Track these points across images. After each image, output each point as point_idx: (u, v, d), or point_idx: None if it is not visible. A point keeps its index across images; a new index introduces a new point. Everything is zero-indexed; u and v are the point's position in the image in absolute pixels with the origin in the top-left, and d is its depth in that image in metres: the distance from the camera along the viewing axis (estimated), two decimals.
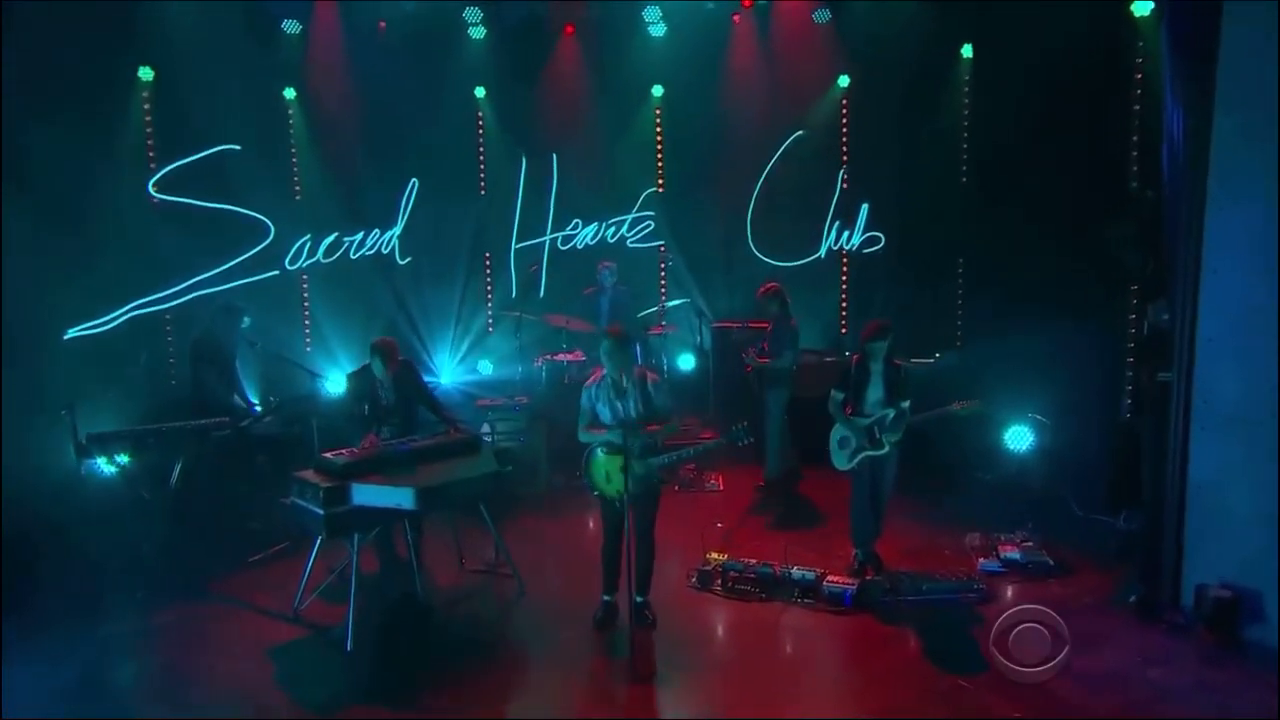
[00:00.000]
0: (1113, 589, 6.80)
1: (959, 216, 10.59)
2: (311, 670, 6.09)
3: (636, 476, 6.14)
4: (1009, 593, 6.86)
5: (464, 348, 11.71)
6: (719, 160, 11.54)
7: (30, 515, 7.36)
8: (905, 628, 6.39)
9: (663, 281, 12.03)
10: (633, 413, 6.27)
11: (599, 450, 6.35)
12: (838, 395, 7.12)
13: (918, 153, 10.59)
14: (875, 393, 6.98)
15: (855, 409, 7.04)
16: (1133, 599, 6.53)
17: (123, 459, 7.38)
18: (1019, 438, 8.83)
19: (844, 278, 11.60)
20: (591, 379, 6.42)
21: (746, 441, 6.39)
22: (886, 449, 6.93)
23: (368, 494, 6.24)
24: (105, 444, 7.37)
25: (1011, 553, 7.26)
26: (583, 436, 6.43)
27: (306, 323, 11.19)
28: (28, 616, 6.55)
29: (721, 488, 9.28)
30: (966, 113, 10.72)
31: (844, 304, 11.62)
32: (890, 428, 6.89)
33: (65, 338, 8.78)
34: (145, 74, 9.73)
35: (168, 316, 9.84)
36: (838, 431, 7.12)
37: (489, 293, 12.01)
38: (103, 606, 6.78)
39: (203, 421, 7.71)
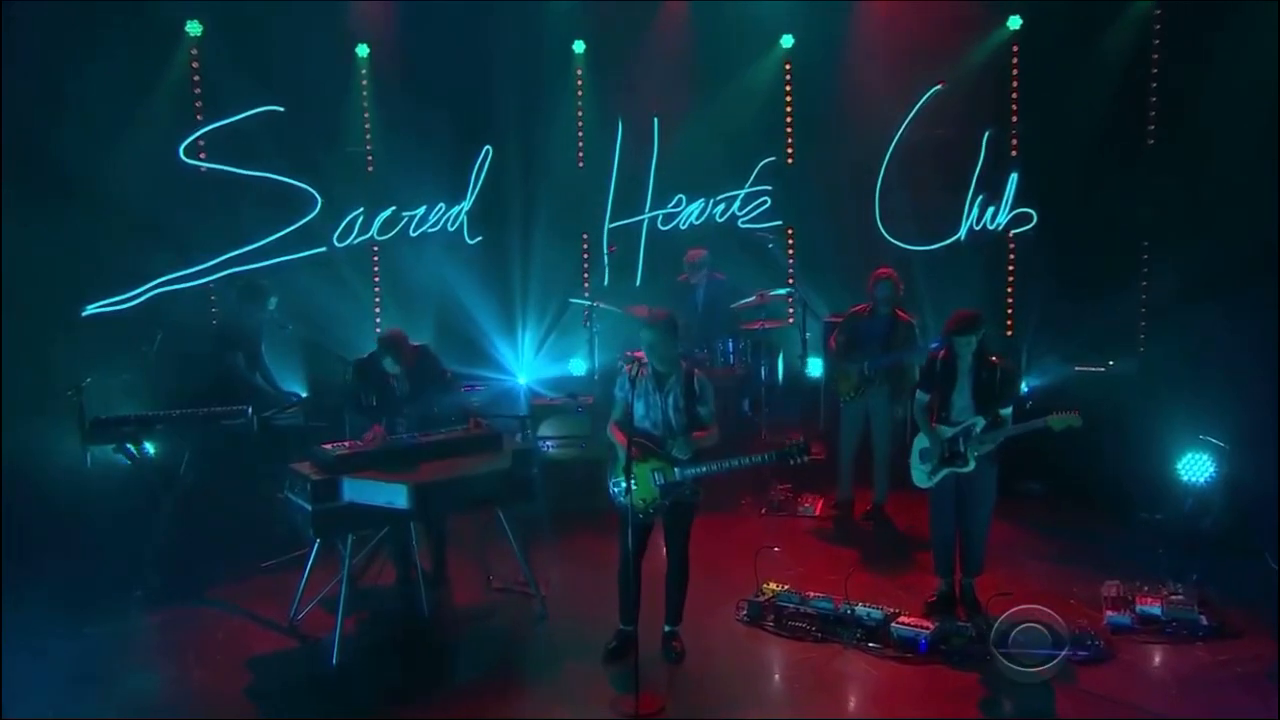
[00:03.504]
0: (1277, 660, 6.31)
1: (1144, 188, 10.08)
2: (289, 684, 6.47)
3: (665, 486, 6.25)
4: (1155, 659, 6.53)
5: (544, 341, 11.95)
6: (846, 122, 11.38)
7: (34, 504, 8.12)
8: (981, 683, 6.19)
9: (791, 266, 11.93)
10: (669, 411, 6.37)
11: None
12: (922, 397, 6.99)
13: (1091, 110, 10.12)
14: (961, 397, 6.79)
15: (940, 415, 6.88)
16: None
17: (130, 446, 8.00)
18: (1195, 468, 8.28)
19: (1010, 264, 11.21)
20: (629, 367, 6.50)
21: (800, 461, 6.39)
22: (972, 465, 6.70)
23: (359, 490, 6.60)
24: (110, 429, 7.91)
25: (1151, 606, 6.84)
26: (610, 434, 6.54)
27: (377, 308, 11.71)
28: (16, 614, 7.15)
29: (818, 513, 9.17)
30: (1156, 57, 10.19)
31: (1010, 298, 11.22)
32: (978, 440, 6.67)
33: (83, 315, 9.49)
34: (193, 28, 10.24)
35: (212, 297, 10.45)
36: (920, 441, 6.98)
37: (586, 279, 12.24)
38: (95, 606, 7.37)
39: (215, 409, 8.16)
